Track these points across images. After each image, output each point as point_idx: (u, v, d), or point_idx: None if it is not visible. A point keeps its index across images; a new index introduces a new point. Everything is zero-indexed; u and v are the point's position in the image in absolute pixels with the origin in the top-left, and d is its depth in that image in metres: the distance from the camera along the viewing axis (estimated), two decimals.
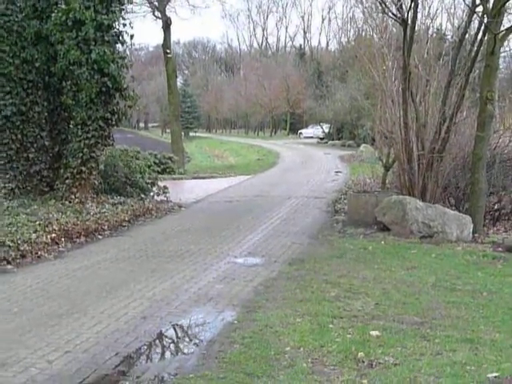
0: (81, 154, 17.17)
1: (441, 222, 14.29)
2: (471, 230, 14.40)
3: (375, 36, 20.53)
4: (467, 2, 16.07)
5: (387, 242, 13.87)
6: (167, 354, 7.33)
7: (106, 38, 16.87)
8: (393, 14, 16.54)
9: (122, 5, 17.64)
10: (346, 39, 76.15)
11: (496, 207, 16.38)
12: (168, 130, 68.59)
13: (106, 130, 17.56)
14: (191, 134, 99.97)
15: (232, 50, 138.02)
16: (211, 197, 23.27)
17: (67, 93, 17.35)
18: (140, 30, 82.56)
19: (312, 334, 7.53)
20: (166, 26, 39.27)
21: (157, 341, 7.73)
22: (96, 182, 18.30)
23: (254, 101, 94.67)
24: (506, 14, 16.43)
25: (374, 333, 7.50)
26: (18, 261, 11.97)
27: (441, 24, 41.62)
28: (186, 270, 11.29)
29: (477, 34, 15.81)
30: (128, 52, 19.23)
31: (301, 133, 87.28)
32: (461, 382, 6.11)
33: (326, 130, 73.87)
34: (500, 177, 16.07)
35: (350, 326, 7.82)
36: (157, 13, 40.94)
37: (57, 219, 14.46)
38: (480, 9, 15.21)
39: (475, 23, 16.49)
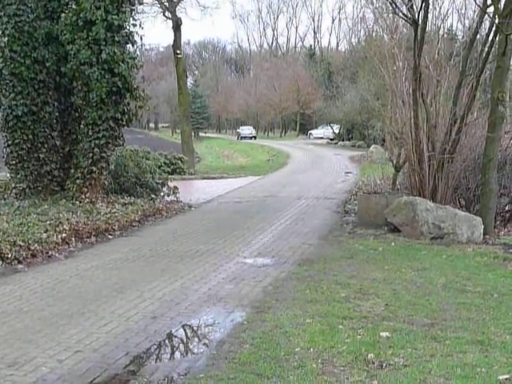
0: (91, 154, 17.24)
1: (451, 224, 14.25)
2: (482, 231, 14.35)
3: (386, 36, 20.53)
4: (478, 3, 16.02)
5: (397, 243, 13.84)
6: (177, 354, 7.34)
7: (117, 39, 16.93)
8: (403, 14, 16.52)
9: (133, 5, 17.71)
10: (357, 40, 76.16)
11: (507, 208, 16.32)
12: (178, 131, 68.68)
13: (117, 131, 17.63)
14: (201, 134, 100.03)
15: (242, 50, 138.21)
16: (221, 197, 23.29)
17: (78, 93, 17.43)
18: (151, 31, 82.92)
19: (322, 334, 7.52)
20: (177, 26, 39.30)
21: (166, 341, 7.73)
22: (106, 182, 18.38)
23: (264, 101, 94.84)
24: None
25: (384, 334, 7.48)
26: (28, 260, 12.01)
27: (452, 24, 41.54)
28: (195, 270, 11.30)
29: (488, 34, 15.76)
30: (138, 52, 19.24)
31: (311, 133, 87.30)
32: (471, 383, 6.09)
33: (336, 131, 73.83)
34: (511, 178, 16.01)
35: (359, 327, 7.80)
36: (167, 13, 41.06)
37: (67, 219, 14.49)
38: (491, 9, 15.16)
39: (486, 24, 16.45)
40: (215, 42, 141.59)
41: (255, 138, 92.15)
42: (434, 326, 7.85)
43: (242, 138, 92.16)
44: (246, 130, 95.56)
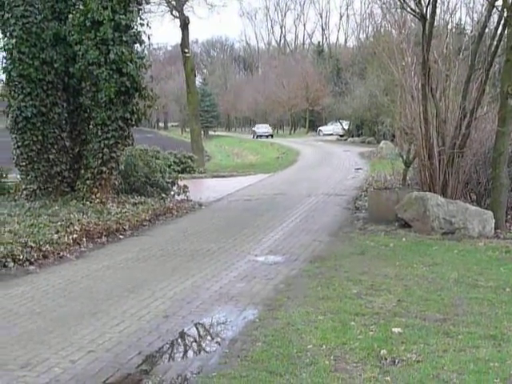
0: (101, 155, 17.24)
1: (462, 218, 14.21)
2: (493, 225, 14.30)
3: (394, 32, 20.43)
4: None
5: (408, 239, 13.81)
6: (189, 353, 7.34)
7: (124, 38, 16.92)
8: (411, 9, 16.47)
9: (140, 4, 17.71)
10: (365, 35, 76.16)
11: None
12: (187, 130, 68.70)
13: (126, 130, 17.62)
14: (210, 132, 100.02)
15: (250, 48, 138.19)
16: (231, 195, 23.29)
17: (86, 93, 17.43)
18: (158, 30, 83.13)
19: (334, 331, 7.51)
20: (184, 25, 39.35)
21: (179, 340, 7.73)
22: (116, 182, 18.39)
23: (272, 99, 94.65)
24: None
25: (397, 330, 7.47)
26: (40, 261, 12.02)
27: (460, 18, 41.35)
28: (206, 268, 11.30)
29: (497, 28, 15.70)
30: (146, 52, 19.25)
31: (320, 130, 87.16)
32: (484, 378, 6.07)
33: (346, 127, 73.70)
34: None
35: (372, 323, 7.79)
36: (175, 12, 41.13)
37: (78, 219, 14.52)
38: (500, 2, 15.10)
39: (495, 17, 16.38)
40: (223, 40, 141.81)
41: (272, 136, 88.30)
42: (446, 322, 7.83)
43: (257, 136, 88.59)
44: (262, 129, 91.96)
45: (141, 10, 17.80)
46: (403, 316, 8.09)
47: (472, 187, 16.53)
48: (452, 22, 21.14)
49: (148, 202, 18.09)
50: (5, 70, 17.54)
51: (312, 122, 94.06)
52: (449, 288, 9.56)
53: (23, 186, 18.09)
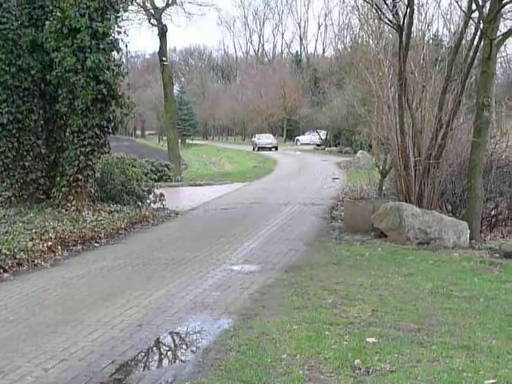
0: (77, 162, 17.17)
1: (437, 229, 14.27)
2: (468, 236, 14.37)
3: (371, 42, 20.52)
4: (463, 8, 16.08)
5: (384, 249, 13.84)
6: (163, 362, 7.31)
7: (102, 46, 16.88)
8: (389, 20, 16.54)
9: (118, 12, 17.67)
10: (343, 46, 76.10)
11: (493, 213, 16.35)
12: (165, 138, 68.59)
13: (102, 138, 17.58)
14: (188, 141, 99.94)
15: (228, 57, 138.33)
16: (208, 204, 23.25)
17: (63, 100, 17.34)
18: (136, 38, 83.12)
19: (308, 341, 7.50)
20: (162, 33, 39.32)
21: (153, 348, 7.70)
22: (92, 190, 18.31)
23: (250, 108, 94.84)
24: (502, 20, 16.45)
25: (371, 340, 7.47)
26: (14, 269, 11.97)
27: (437, 30, 41.56)
28: (182, 277, 11.27)
29: (473, 39, 15.81)
30: (124, 60, 19.25)
31: (298, 139, 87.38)
32: None
33: (323, 137, 73.88)
34: (497, 182, 16.03)
35: (346, 333, 7.79)
36: (153, 20, 41.06)
37: (53, 227, 14.45)
38: (476, 14, 15.21)
39: (471, 29, 16.50)
40: (201, 49, 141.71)
41: (276, 148, 73.65)
42: (420, 332, 7.85)
43: (259, 148, 73.77)
44: (264, 139, 77.18)
45: (118, 17, 17.76)
46: (378, 326, 8.10)
47: (447, 198, 16.60)
48: (429, 32, 21.21)
49: (124, 210, 18.05)
50: None
51: (289, 132, 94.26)
52: (423, 298, 9.58)
53: None
